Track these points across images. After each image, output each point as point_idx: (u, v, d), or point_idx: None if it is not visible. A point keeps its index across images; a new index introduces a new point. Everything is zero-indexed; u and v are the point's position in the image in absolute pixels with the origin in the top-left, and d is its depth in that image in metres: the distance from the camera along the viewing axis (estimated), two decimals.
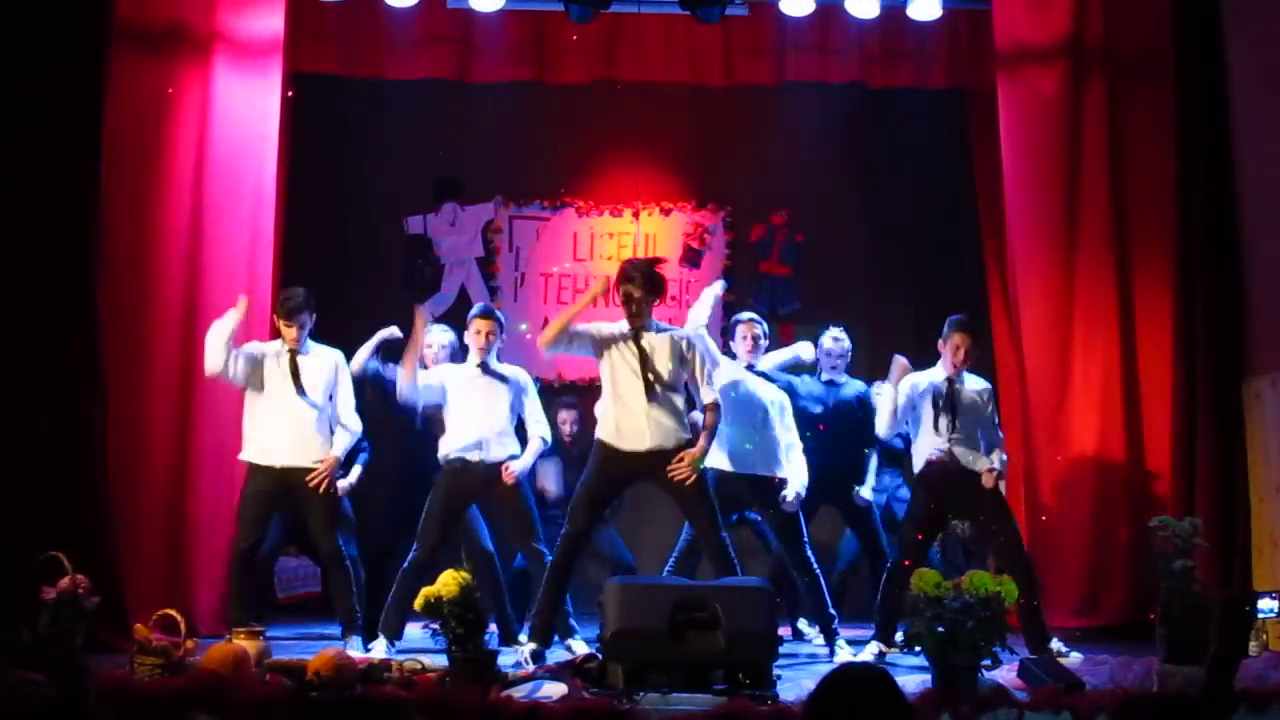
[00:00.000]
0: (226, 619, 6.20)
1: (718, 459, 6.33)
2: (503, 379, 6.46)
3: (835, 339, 7.22)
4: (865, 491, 7.04)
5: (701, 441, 5.94)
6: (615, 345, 5.96)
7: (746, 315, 6.81)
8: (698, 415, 6.17)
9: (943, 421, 6.40)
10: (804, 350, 7.19)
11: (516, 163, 8.84)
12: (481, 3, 7.41)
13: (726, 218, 9.04)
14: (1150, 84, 7.22)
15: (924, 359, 7.87)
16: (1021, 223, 7.42)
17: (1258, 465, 6.66)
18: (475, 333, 6.45)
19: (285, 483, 6.32)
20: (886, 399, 6.51)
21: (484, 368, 6.44)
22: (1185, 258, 6.99)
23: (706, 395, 6.01)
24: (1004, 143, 7.42)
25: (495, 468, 6.33)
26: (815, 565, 6.44)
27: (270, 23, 7.16)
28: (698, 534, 6.07)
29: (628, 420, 5.91)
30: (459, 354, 6.82)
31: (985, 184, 8.05)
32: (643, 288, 5.92)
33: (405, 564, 6.29)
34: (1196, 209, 6.97)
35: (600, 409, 6.08)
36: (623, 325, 6.00)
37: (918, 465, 6.51)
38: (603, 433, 6.00)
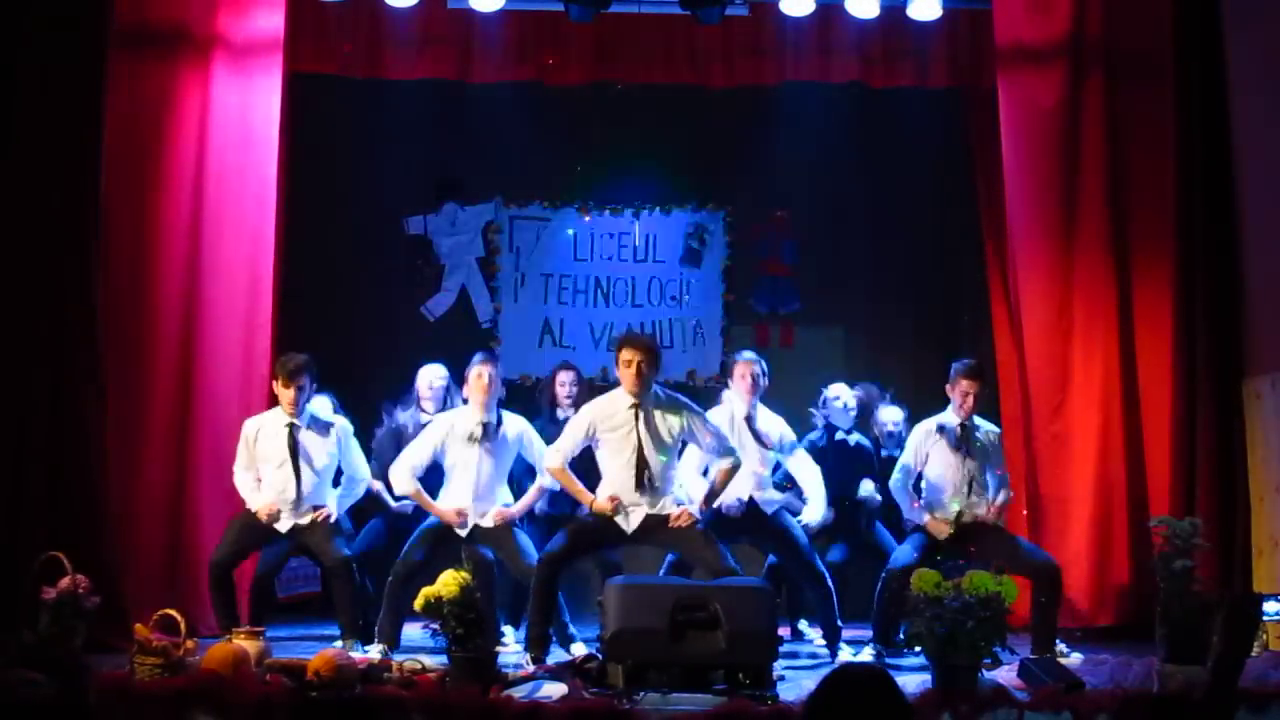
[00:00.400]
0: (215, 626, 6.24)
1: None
2: (503, 438, 6.42)
3: (836, 397, 7.20)
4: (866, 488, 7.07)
5: (699, 506, 6.00)
6: (612, 429, 5.97)
7: (747, 355, 6.68)
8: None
9: (959, 469, 6.46)
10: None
11: (516, 163, 8.83)
12: (481, 3, 7.41)
13: (726, 218, 9.04)
14: (1150, 84, 7.22)
15: (924, 359, 7.93)
16: (1022, 222, 7.41)
17: (1258, 465, 6.66)
18: (477, 378, 6.38)
19: (278, 531, 6.45)
20: (910, 452, 6.59)
21: (485, 428, 6.34)
22: (1185, 258, 6.99)
23: (725, 462, 6.04)
24: (1004, 142, 7.41)
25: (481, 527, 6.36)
26: (827, 575, 6.42)
27: (270, 23, 7.16)
28: (708, 573, 5.90)
29: (621, 493, 5.96)
30: (454, 390, 6.81)
31: (985, 184, 8.05)
32: (647, 355, 5.93)
33: (393, 570, 6.28)
34: (1196, 209, 6.97)
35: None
36: (616, 403, 6.02)
37: (926, 518, 6.50)
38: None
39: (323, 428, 6.50)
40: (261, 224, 7.15)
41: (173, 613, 5.38)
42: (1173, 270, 7.02)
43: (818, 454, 6.85)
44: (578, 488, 6.07)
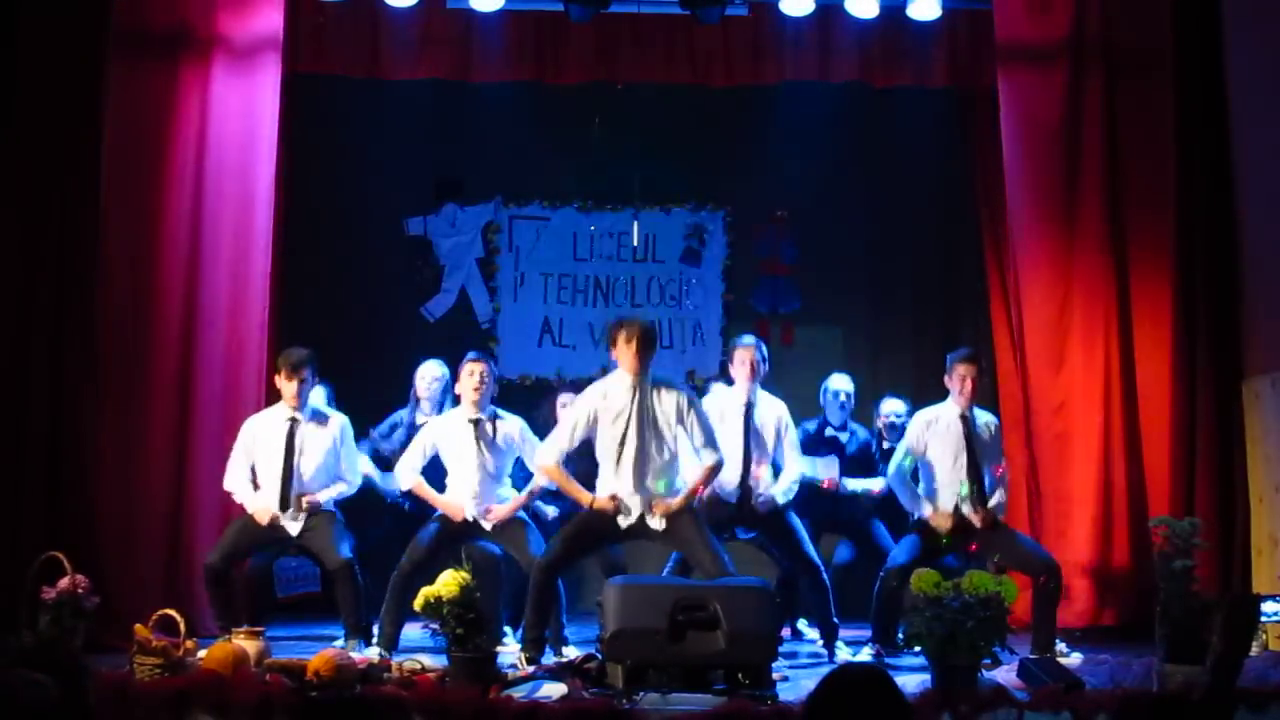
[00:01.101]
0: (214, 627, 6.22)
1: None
2: (500, 437, 6.42)
3: (840, 388, 7.27)
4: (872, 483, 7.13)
5: (681, 498, 5.93)
6: (611, 413, 5.95)
7: (747, 339, 6.67)
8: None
9: (961, 460, 6.42)
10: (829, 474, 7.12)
11: (516, 163, 8.83)
12: (481, 3, 7.41)
13: (726, 218, 9.04)
14: (1150, 83, 7.21)
15: (924, 359, 7.92)
16: (1021, 222, 7.41)
17: (1258, 465, 6.66)
18: (468, 375, 6.40)
19: (277, 534, 6.42)
20: (910, 439, 6.53)
21: (477, 425, 6.38)
22: (1185, 257, 6.99)
23: (708, 458, 5.99)
24: (1004, 142, 7.41)
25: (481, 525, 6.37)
26: (821, 568, 6.42)
27: (269, 23, 7.16)
28: (703, 575, 5.89)
29: (616, 482, 5.93)
30: (451, 387, 6.82)
31: (985, 184, 8.05)
32: (643, 338, 5.92)
33: (395, 571, 6.27)
34: (1196, 209, 6.97)
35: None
36: (614, 385, 6.00)
37: (927, 509, 6.47)
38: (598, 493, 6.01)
39: (323, 420, 6.50)
40: (261, 224, 7.14)
41: (173, 613, 5.38)
42: (1173, 270, 7.03)
43: (806, 443, 6.87)
44: (574, 487, 6.04)
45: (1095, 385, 7.21)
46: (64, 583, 5.50)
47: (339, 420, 6.55)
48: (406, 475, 6.45)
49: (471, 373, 6.38)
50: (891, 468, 6.61)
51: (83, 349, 6.63)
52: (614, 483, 5.94)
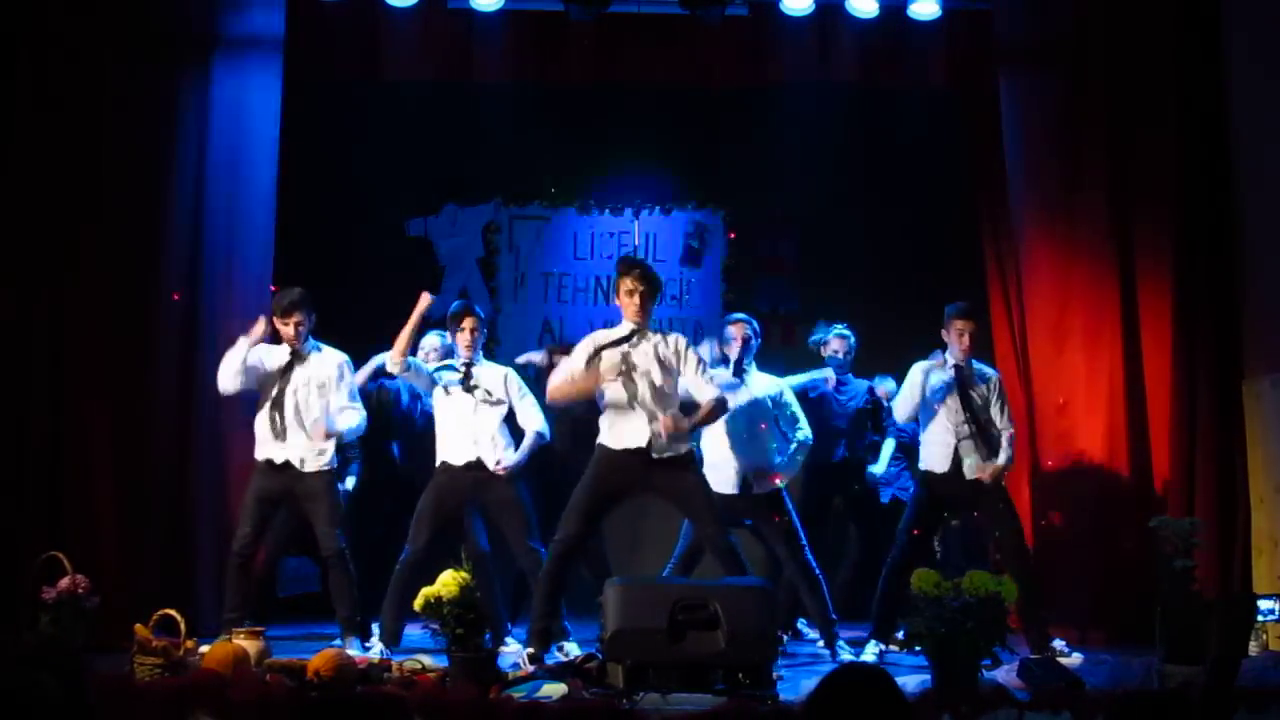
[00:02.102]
0: (221, 618, 6.17)
1: (711, 478, 6.26)
2: (489, 387, 6.43)
3: (841, 337, 7.30)
4: (878, 468, 7.27)
5: (690, 419, 5.86)
6: (612, 354, 5.91)
7: (738, 315, 6.77)
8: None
9: (956, 412, 6.41)
10: (827, 374, 7.27)
11: (516, 163, 8.83)
12: (481, 3, 7.41)
13: (726, 218, 9.04)
14: (1150, 84, 7.22)
15: (923, 357, 7.87)
16: (1022, 223, 7.42)
17: (1258, 466, 6.67)
18: (461, 330, 6.46)
19: (287, 482, 6.30)
20: (909, 386, 6.50)
21: (467, 371, 6.42)
22: (1185, 258, 6.99)
23: (708, 392, 5.94)
24: (1004, 142, 7.41)
25: (486, 468, 6.35)
26: (816, 570, 6.43)
27: (270, 23, 7.16)
28: (702, 535, 6.03)
29: (624, 421, 5.90)
30: (451, 357, 6.83)
31: (985, 184, 8.05)
32: (648, 285, 5.92)
33: (398, 564, 6.29)
34: (1197, 209, 6.98)
35: (602, 419, 6.06)
36: (617, 331, 5.99)
37: (925, 462, 6.51)
38: (602, 437, 5.99)
39: (323, 359, 6.42)
40: (261, 225, 7.15)
41: (173, 613, 5.38)
42: (1173, 270, 7.03)
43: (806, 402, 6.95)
44: (586, 385, 5.90)
45: (1096, 385, 7.21)
46: (64, 583, 5.50)
47: (337, 358, 6.47)
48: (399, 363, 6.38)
49: (464, 328, 6.45)
50: (902, 411, 6.58)
51: (83, 349, 6.63)
52: (621, 420, 5.88)
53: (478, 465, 6.36)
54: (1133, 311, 7.24)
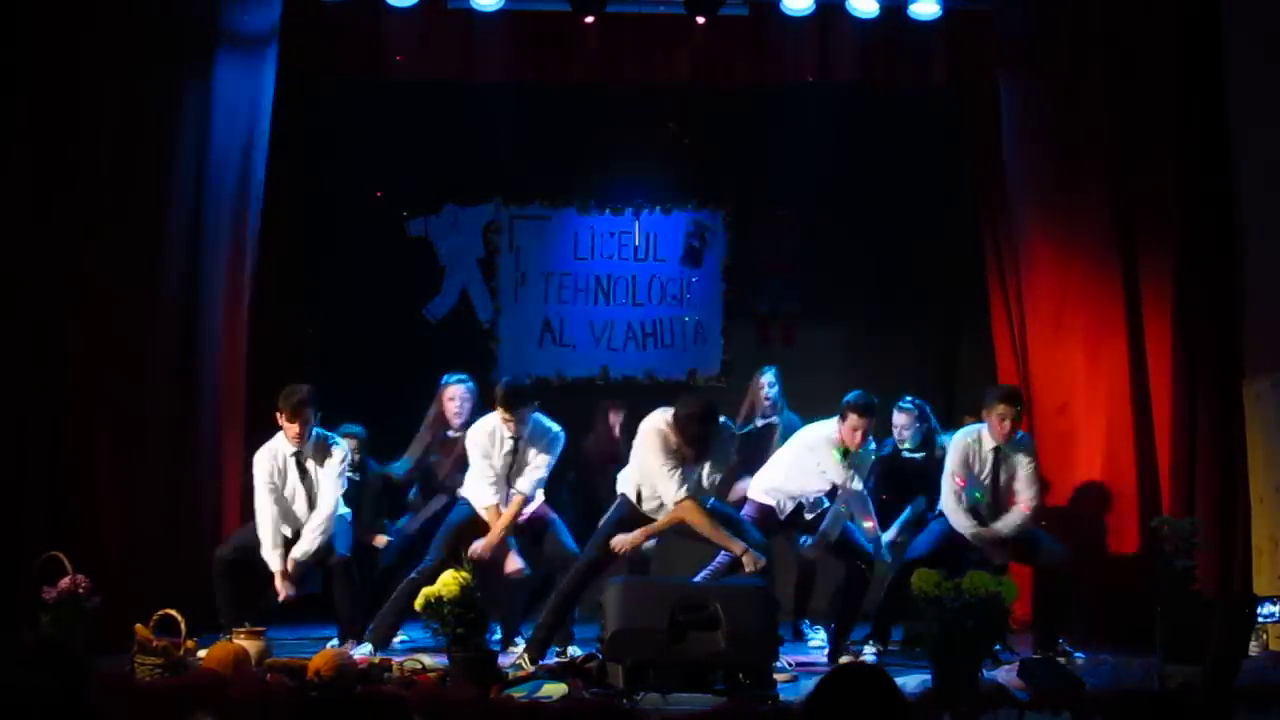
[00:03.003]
0: (219, 623, 6.21)
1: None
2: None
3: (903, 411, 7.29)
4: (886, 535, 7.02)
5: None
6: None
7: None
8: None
9: (990, 491, 6.48)
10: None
11: (516, 163, 8.82)
12: (482, 3, 7.41)
13: (726, 218, 9.04)
14: (1151, 84, 7.21)
15: (924, 358, 7.92)
16: (1022, 222, 7.41)
17: (1258, 466, 6.66)
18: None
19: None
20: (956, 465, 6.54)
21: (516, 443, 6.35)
22: (1186, 258, 6.99)
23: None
24: (1004, 142, 7.41)
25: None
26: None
27: (270, 22, 7.16)
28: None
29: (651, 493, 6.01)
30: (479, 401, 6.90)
31: (985, 184, 8.05)
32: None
33: (416, 572, 6.21)
34: (1197, 208, 6.97)
35: (626, 474, 6.12)
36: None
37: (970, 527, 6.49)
38: (629, 491, 6.07)
39: (323, 450, 6.46)
40: (261, 224, 7.14)
41: (173, 613, 5.38)
42: (1174, 270, 7.02)
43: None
44: (721, 534, 5.96)
45: (1097, 385, 7.21)
46: (64, 583, 5.50)
47: (339, 451, 6.50)
48: (488, 495, 6.34)
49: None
50: (944, 494, 6.58)
51: (83, 349, 6.63)
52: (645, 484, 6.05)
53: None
54: (1133, 311, 7.23)
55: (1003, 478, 6.51)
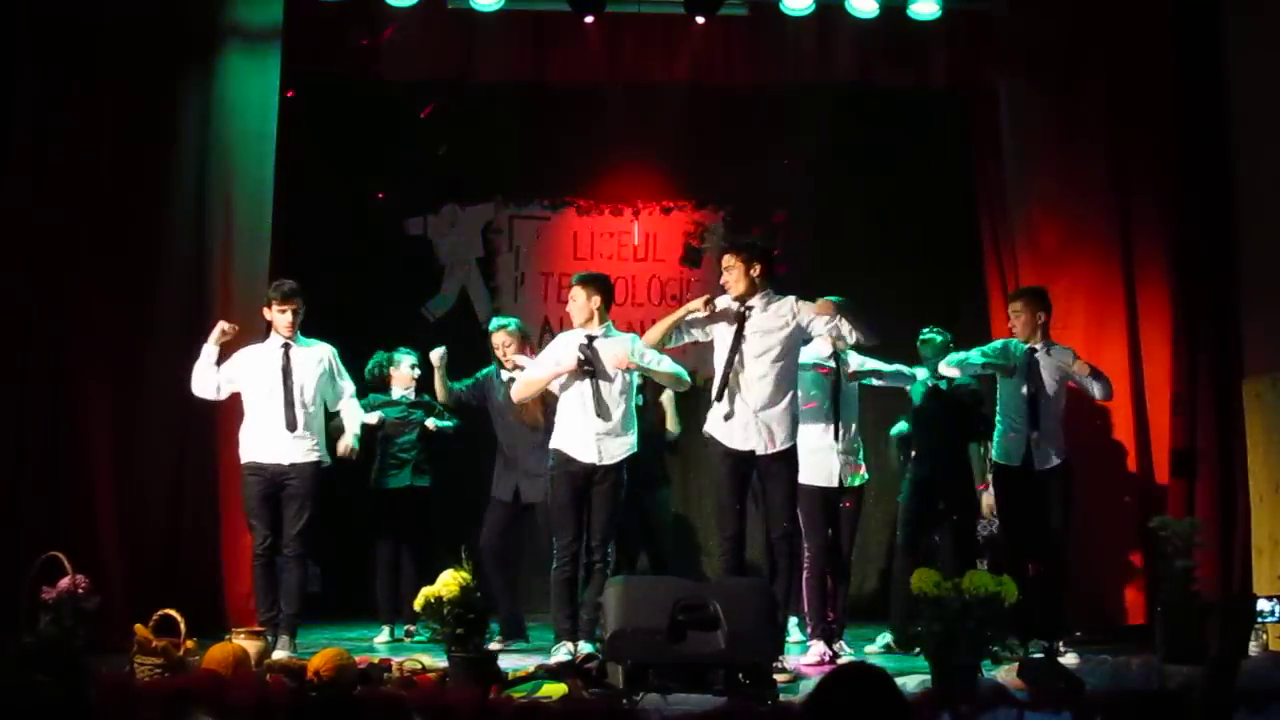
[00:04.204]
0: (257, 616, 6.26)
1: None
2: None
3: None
4: None
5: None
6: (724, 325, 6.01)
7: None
8: None
9: (1018, 392, 6.50)
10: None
11: (516, 163, 8.82)
12: (481, 2, 7.41)
13: (726, 218, 9.03)
14: (1150, 84, 7.22)
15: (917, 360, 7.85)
16: (1022, 223, 7.41)
17: (1258, 466, 6.66)
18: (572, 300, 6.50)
19: (276, 480, 6.31)
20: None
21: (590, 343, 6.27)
22: (1186, 258, 6.99)
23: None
24: (1004, 142, 7.41)
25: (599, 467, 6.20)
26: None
27: (270, 22, 7.16)
28: (771, 521, 5.96)
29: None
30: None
31: (985, 183, 8.05)
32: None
33: (556, 567, 6.14)
34: (1196, 209, 6.98)
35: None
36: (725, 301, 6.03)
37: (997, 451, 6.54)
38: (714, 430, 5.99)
39: (311, 347, 6.47)
40: (261, 224, 7.14)
41: (173, 613, 5.37)
42: (1174, 270, 7.03)
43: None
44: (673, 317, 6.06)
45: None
46: (64, 583, 5.50)
47: (327, 348, 6.53)
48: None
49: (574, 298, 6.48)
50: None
51: (83, 350, 6.63)
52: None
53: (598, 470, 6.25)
54: (1133, 311, 7.24)
55: (1046, 380, 6.47)
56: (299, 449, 6.32)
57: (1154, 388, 7.13)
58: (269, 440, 6.30)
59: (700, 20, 7.42)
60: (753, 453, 5.90)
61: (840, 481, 6.48)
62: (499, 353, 6.92)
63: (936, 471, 6.78)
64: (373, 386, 7.43)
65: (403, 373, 7.44)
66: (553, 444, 6.24)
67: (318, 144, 8.23)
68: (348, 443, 6.49)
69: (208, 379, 6.36)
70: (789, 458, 5.93)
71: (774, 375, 5.91)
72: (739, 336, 5.92)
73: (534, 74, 8.00)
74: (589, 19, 7.44)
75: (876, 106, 8.51)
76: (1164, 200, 7.10)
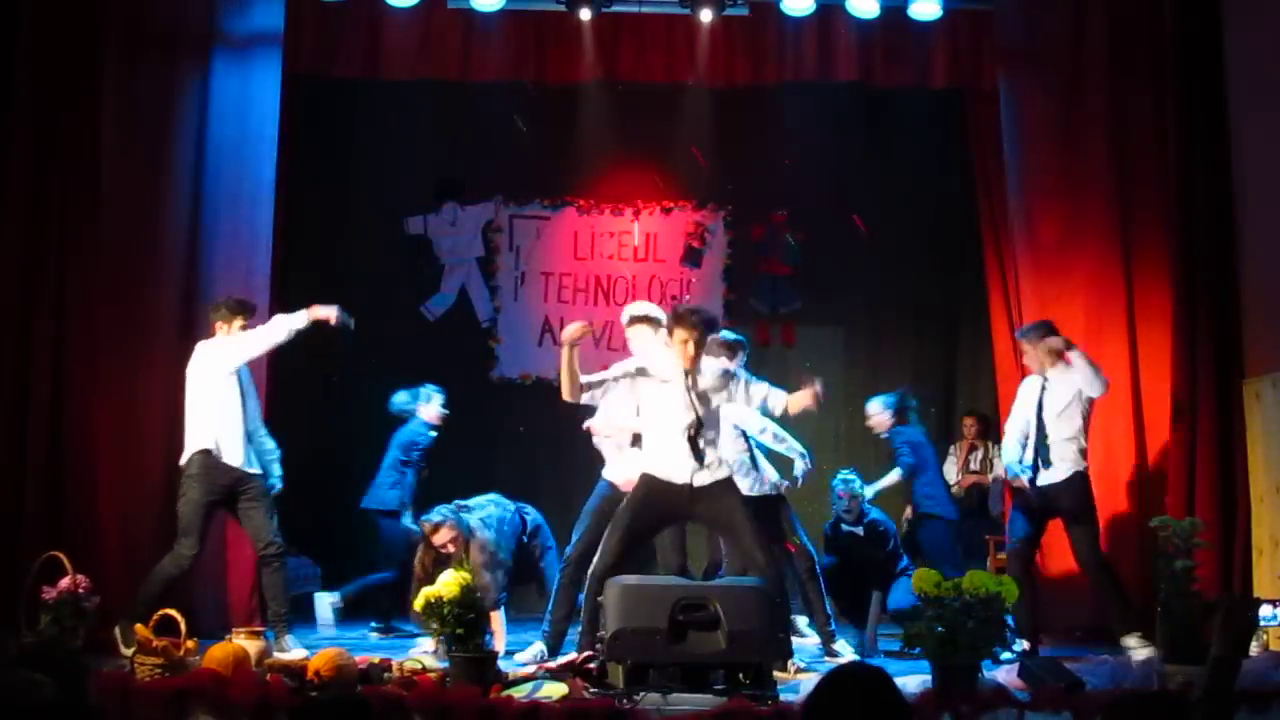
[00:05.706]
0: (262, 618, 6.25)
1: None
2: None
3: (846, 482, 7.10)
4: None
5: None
6: (659, 382, 5.56)
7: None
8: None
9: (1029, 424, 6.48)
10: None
11: (516, 163, 8.82)
12: (481, 3, 7.42)
13: (726, 218, 9.03)
14: (1151, 84, 7.21)
15: (924, 358, 7.92)
16: (1022, 223, 7.41)
17: (1258, 466, 6.65)
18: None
19: (234, 486, 6.19)
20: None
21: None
22: (1186, 258, 6.98)
23: (777, 400, 5.77)
24: (1004, 142, 7.41)
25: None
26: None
27: (270, 22, 7.16)
28: (743, 560, 5.82)
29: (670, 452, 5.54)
30: None
31: (985, 184, 8.05)
32: (701, 331, 5.53)
33: (593, 573, 5.63)
34: (1197, 209, 6.97)
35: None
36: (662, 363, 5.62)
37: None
38: (647, 466, 5.62)
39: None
40: (261, 224, 7.14)
41: (173, 613, 5.38)
42: (1173, 270, 7.02)
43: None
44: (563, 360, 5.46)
45: None
46: (64, 583, 5.50)
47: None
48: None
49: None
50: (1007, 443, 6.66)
51: (83, 350, 6.63)
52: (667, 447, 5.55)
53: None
54: (1133, 310, 7.24)
55: (1049, 405, 6.43)
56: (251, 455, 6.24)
57: (1154, 387, 7.13)
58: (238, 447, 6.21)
59: (700, 20, 7.42)
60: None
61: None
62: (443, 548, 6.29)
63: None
64: (400, 421, 7.38)
65: (433, 408, 7.35)
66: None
67: (318, 144, 8.23)
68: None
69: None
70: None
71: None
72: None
73: (534, 74, 8.00)
74: (585, 15, 7.43)
75: (877, 106, 8.51)
76: (1164, 199, 7.09)
